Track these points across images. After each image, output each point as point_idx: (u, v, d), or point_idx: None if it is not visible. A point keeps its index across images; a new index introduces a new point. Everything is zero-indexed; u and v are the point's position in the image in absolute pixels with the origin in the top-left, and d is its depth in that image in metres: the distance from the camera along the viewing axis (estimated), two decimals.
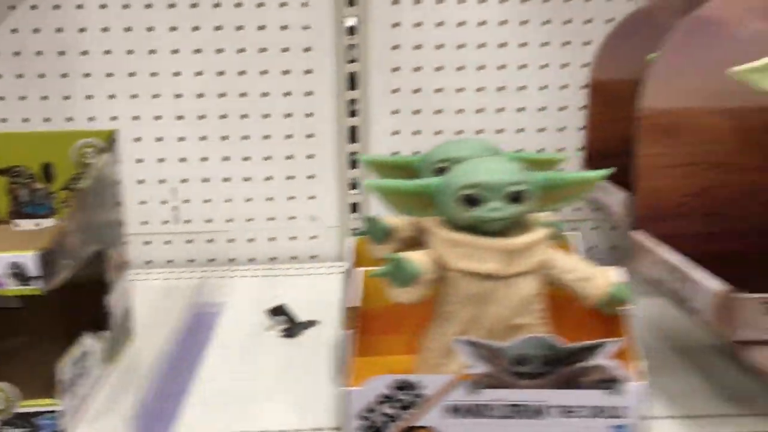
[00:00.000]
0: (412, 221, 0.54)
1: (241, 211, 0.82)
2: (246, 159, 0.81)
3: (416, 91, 0.80)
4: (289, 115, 0.80)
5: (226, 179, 0.81)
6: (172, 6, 0.77)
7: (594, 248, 0.85)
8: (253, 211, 0.83)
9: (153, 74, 0.78)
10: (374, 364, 0.54)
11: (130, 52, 0.78)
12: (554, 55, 0.80)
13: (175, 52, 0.78)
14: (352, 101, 0.80)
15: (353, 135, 0.81)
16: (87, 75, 0.78)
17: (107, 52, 0.78)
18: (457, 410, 0.45)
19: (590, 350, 0.44)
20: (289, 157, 0.81)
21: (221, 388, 0.56)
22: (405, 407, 0.45)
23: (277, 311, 0.66)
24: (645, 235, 0.57)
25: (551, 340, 0.44)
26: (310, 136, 0.81)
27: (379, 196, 0.48)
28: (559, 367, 0.44)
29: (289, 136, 0.81)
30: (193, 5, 0.77)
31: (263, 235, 0.83)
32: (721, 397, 0.54)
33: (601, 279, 0.48)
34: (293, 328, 0.65)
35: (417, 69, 0.80)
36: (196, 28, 0.77)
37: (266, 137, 0.81)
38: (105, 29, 0.77)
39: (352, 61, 0.79)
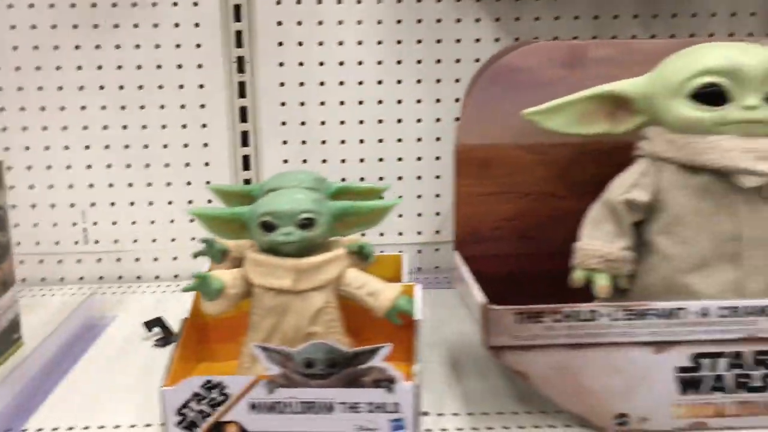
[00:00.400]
0: (247, 243, 0.62)
1: (146, 232, 0.90)
2: (149, 185, 0.89)
3: (302, 123, 0.88)
4: (186, 145, 0.88)
5: (131, 203, 0.89)
6: (77, 48, 0.85)
7: None
8: (156, 233, 0.90)
9: (62, 108, 0.86)
10: (210, 369, 0.62)
11: (40, 88, 0.85)
12: (428, 90, 0.87)
13: (81, 88, 0.86)
14: (244, 133, 0.88)
15: (246, 163, 0.89)
16: (1, 110, 0.86)
17: (20, 88, 0.85)
18: (258, 407, 0.52)
19: (367, 354, 0.51)
20: (188, 184, 0.89)
21: (81, 389, 0.63)
22: (215, 405, 0.52)
23: (153, 323, 0.74)
24: (458, 256, 0.65)
25: (333, 345, 0.51)
26: (206, 164, 0.88)
27: (200, 222, 0.56)
28: (343, 369, 0.52)
29: (187, 164, 0.88)
30: (97, 47, 0.85)
31: (166, 255, 0.91)
32: (509, 396, 0.60)
33: (388, 293, 0.55)
34: (167, 338, 0.72)
35: (302, 104, 0.87)
36: (99, 67, 0.85)
37: (167, 165, 0.88)
38: (17, 68, 0.85)
39: (243, 96, 0.87)
